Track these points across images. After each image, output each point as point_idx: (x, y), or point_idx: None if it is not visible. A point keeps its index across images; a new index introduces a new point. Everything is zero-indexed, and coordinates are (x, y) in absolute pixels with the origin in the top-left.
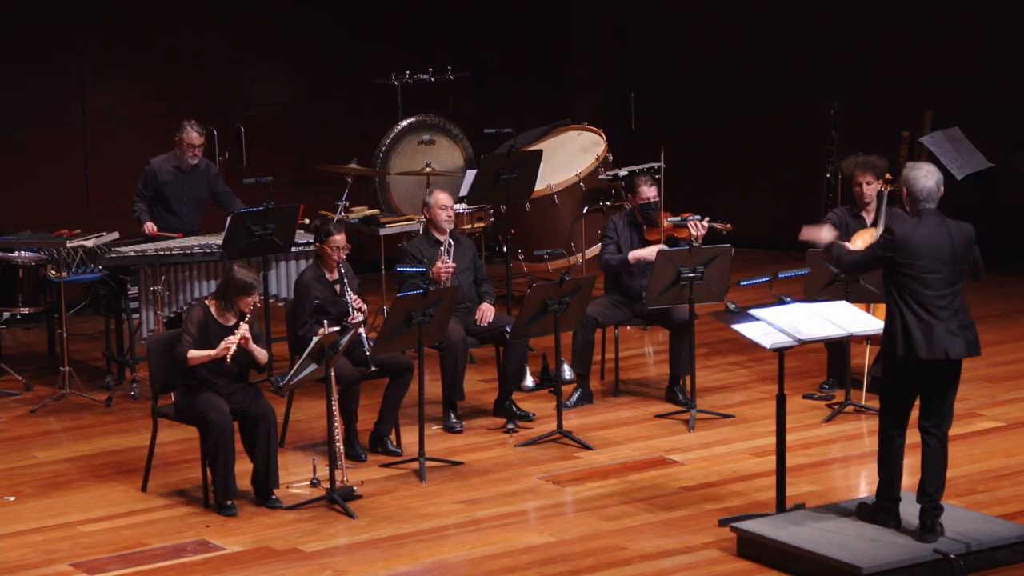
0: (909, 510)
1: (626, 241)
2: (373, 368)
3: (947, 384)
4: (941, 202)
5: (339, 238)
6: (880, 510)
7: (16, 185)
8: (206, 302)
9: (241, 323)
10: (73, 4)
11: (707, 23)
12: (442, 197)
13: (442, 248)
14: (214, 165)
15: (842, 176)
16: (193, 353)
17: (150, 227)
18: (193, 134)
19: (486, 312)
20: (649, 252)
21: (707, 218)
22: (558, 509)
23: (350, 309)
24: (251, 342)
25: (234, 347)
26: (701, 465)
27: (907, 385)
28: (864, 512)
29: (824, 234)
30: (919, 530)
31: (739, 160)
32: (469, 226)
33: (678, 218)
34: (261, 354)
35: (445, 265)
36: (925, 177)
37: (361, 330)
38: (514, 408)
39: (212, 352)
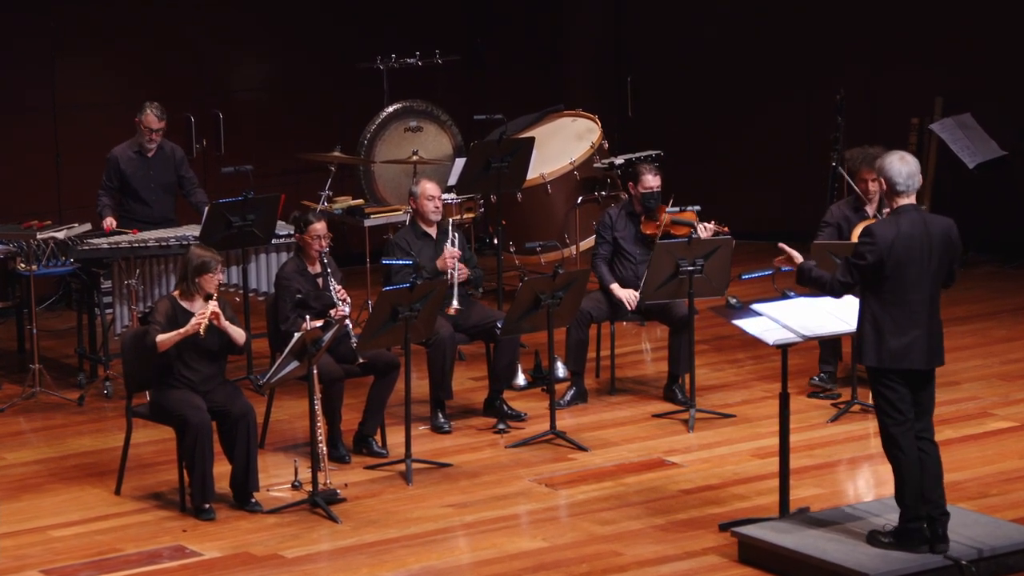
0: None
1: (623, 233)
2: (361, 360)
3: (929, 387)
4: (949, 193)
5: (319, 227)
6: (906, 535)
7: None
8: (173, 294)
9: (210, 300)
10: None
11: (707, 5)
12: (429, 187)
13: (448, 240)
14: (180, 149)
15: (847, 168)
16: (162, 337)
17: (108, 222)
18: (152, 117)
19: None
20: (627, 296)
21: (714, 221)
22: (551, 513)
23: (335, 300)
24: (223, 318)
25: (206, 321)
26: (701, 467)
27: (894, 383)
28: (879, 540)
29: (795, 258)
30: (930, 540)
31: (741, 148)
32: (458, 217)
33: (676, 209)
34: (237, 333)
35: (451, 252)
36: (901, 161)
37: (348, 322)
38: (505, 407)
39: (182, 330)
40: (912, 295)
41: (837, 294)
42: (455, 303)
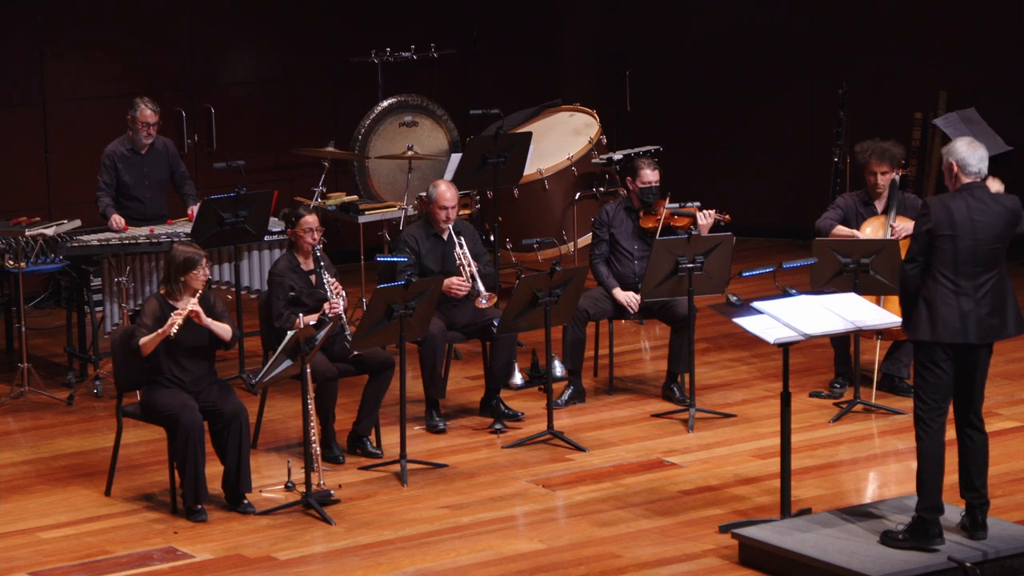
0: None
1: (620, 229)
2: (354, 353)
3: (979, 369)
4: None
5: (310, 219)
6: (921, 528)
7: None
8: (160, 292)
9: (191, 299)
10: None
11: None
12: (446, 196)
13: (457, 251)
14: (172, 143)
15: (851, 160)
16: (144, 339)
17: (118, 220)
18: (147, 112)
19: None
20: (628, 300)
21: (713, 211)
22: (548, 514)
23: (329, 295)
24: (203, 315)
25: (180, 320)
26: (701, 468)
27: (939, 365)
28: (895, 538)
29: None
30: (969, 527)
31: (742, 143)
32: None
33: (675, 205)
34: (222, 328)
35: (460, 282)
36: (971, 144)
37: (343, 317)
38: (502, 407)
39: (159, 331)
40: (967, 269)
41: (910, 277)
42: (483, 292)
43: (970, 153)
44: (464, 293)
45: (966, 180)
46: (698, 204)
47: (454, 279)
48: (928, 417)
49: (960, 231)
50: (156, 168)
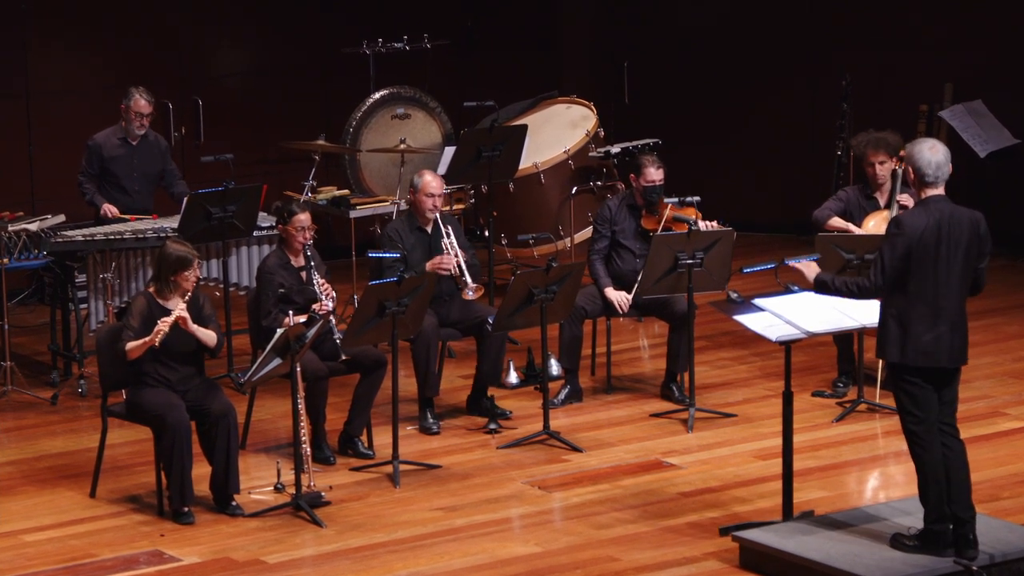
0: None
1: (622, 227)
2: (344, 357)
3: (953, 383)
4: (959, 184)
5: (304, 217)
6: (931, 538)
7: None
8: (149, 290)
9: (180, 299)
10: None
11: None
12: (432, 184)
13: (444, 241)
14: (163, 139)
15: (854, 155)
16: (130, 345)
17: (110, 209)
18: (142, 102)
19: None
20: (619, 299)
21: (715, 222)
22: (544, 517)
23: (318, 295)
24: (190, 322)
25: (166, 329)
26: (700, 469)
27: (919, 378)
28: (903, 543)
29: (808, 272)
30: (959, 545)
31: (742, 136)
32: (447, 208)
33: (675, 200)
34: (207, 335)
35: (446, 258)
36: (931, 150)
37: (331, 318)
38: (492, 406)
39: (147, 339)
40: (939, 289)
41: (869, 296)
42: (470, 283)
43: (927, 160)
44: (449, 268)
45: (927, 191)
46: (697, 199)
47: (438, 257)
48: (922, 430)
49: (930, 251)
50: (146, 161)
